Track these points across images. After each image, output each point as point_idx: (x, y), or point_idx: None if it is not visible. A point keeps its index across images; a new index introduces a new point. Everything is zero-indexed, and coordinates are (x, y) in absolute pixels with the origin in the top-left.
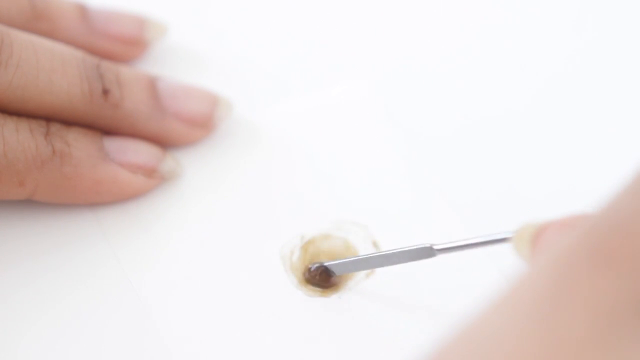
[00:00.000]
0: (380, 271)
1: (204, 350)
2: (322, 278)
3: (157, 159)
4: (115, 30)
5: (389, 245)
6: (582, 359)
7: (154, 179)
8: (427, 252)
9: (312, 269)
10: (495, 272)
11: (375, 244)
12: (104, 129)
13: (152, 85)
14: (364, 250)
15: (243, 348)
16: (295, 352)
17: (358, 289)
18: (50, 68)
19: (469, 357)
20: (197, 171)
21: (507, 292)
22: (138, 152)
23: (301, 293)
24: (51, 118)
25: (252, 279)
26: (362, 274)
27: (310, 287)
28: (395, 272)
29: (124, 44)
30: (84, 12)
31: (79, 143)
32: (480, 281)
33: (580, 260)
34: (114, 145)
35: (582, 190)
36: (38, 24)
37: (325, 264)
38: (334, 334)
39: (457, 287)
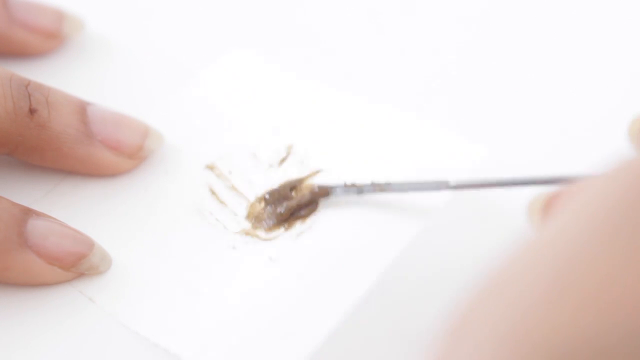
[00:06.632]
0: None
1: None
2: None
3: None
4: (34, 21)
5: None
6: None
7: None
8: (442, 185)
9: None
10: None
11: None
12: (29, 149)
13: (82, 110)
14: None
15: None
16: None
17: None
18: None
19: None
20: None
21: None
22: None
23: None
24: None
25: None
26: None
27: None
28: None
29: (41, 36)
30: (4, 1)
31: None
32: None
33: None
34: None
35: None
36: None
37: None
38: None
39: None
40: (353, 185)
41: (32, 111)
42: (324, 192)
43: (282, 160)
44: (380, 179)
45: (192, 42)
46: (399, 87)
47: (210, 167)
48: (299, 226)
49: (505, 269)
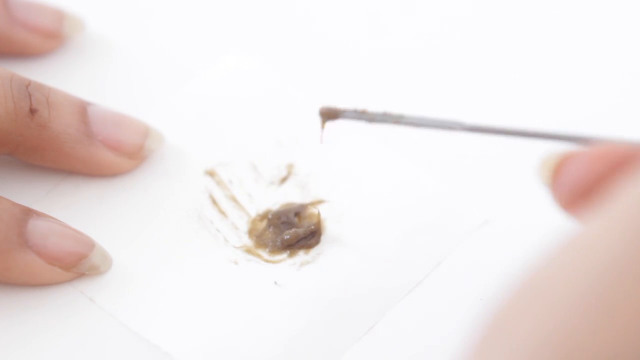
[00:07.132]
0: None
1: (183, 323)
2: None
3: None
4: (34, 21)
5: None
6: None
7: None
8: (456, 125)
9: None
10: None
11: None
12: (30, 149)
13: (82, 110)
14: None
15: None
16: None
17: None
18: None
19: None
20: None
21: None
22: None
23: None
24: None
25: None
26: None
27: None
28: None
29: (41, 36)
30: (4, 1)
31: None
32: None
33: None
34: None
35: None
36: None
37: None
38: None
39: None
40: (364, 112)
41: (32, 111)
42: (333, 114)
43: (283, 180)
44: (394, 110)
45: (192, 43)
46: (399, 88)
47: (210, 173)
48: (302, 255)
49: (541, 270)
